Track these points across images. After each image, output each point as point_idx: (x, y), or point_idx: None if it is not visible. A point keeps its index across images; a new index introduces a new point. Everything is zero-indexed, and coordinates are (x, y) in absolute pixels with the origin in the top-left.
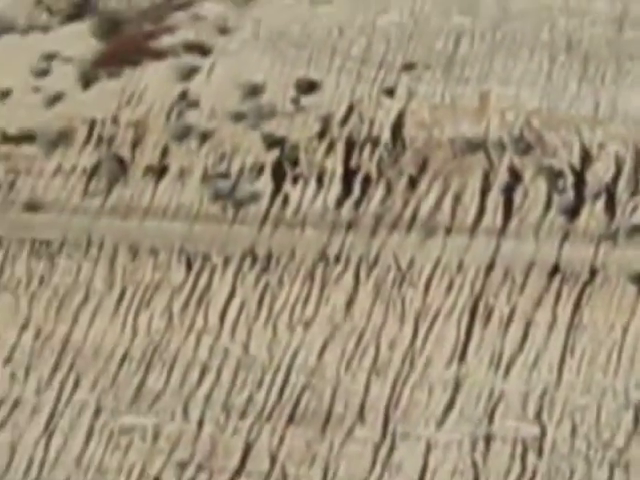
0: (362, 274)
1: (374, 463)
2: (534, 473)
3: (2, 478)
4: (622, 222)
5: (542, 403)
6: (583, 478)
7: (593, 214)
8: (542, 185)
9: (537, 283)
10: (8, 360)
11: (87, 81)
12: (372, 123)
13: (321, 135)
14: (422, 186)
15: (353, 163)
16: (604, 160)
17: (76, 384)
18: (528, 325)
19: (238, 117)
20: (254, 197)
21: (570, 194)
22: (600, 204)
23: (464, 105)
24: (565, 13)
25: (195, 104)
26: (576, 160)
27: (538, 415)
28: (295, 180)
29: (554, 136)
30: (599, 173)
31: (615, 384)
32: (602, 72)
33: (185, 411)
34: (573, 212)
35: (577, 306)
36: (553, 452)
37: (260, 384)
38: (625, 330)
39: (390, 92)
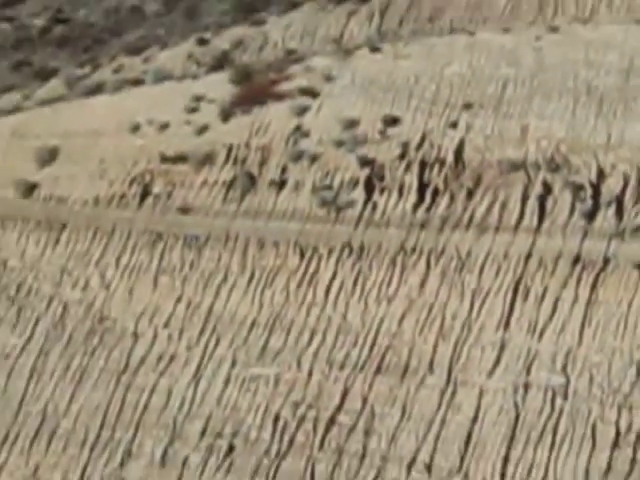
0: (432, 262)
1: (440, 404)
2: (560, 412)
3: (162, 412)
4: (628, 223)
5: (567, 360)
6: (598, 416)
7: (606, 218)
8: (568, 196)
9: (563, 269)
10: (166, 325)
11: (226, 116)
12: (440, 149)
13: (401, 157)
14: (477, 196)
15: (425, 178)
16: (615, 177)
17: (217, 343)
18: (557, 301)
19: (339, 144)
20: (351, 204)
21: (589, 202)
22: (612, 210)
23: (509, 135)
24: (585, 66)
25: (307, 134)
26: (594, 177)
27: (564, 369)
28: (382, 191)
29: (577, 159)
30: (611, 187)
31: (622, 346)
32: (613, 110)
33: (299, 364)
34: (591, 216)
35: (594, 287)
36: (575, 397)
37: (355, 344)
38: (630, 305)
39: (454, 125)
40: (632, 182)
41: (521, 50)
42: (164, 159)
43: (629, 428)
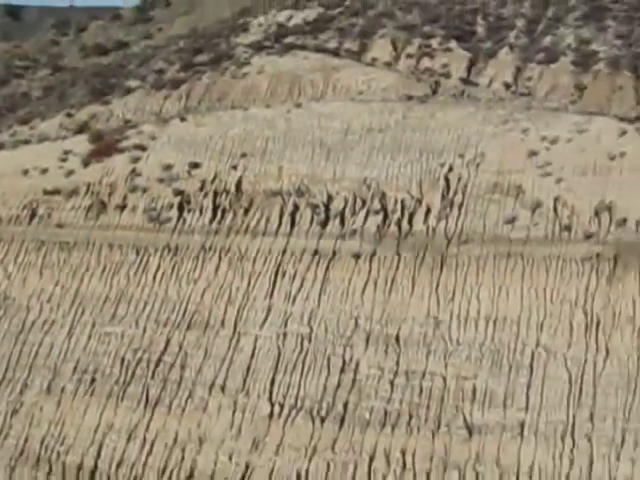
0: (223, 256)
1: (229, 347)
2: (307, 351)
3: (46, 359)
4: (348, 229)
5: (311, 316)
6: (331, 353)
7: (334, 225)
8: (309, 212)
9: (307, 259)
10: (48, 301)
11: (86, 164)
12: (226, 183)
13: (201, 189)
14: (251, 213)
15: (217, 202)
16: (339, 199)
17: (82, 312)
18: (304, 280)
19: (160, 180)
20: (168, 219)
21: (322, 216)
22: (337, 220)
23: (271, 173)
24: (319, 128)
25: (139, 174)
26: (325, 199)
27: (309, 322)
28: (189, 211)
29: (315, 188)
30: (336, 205)
31: (345, 308)
32: (337, 156)
33: (137, 324)
34: (324, 224)
35: (327, 270)
36: (316, 340)
37: (173, 310)
38: (350, 281)
39: (235, 167)
40: (350, 203)
41: (277, 119)
42: (45, 192)
43: (351, 359)
